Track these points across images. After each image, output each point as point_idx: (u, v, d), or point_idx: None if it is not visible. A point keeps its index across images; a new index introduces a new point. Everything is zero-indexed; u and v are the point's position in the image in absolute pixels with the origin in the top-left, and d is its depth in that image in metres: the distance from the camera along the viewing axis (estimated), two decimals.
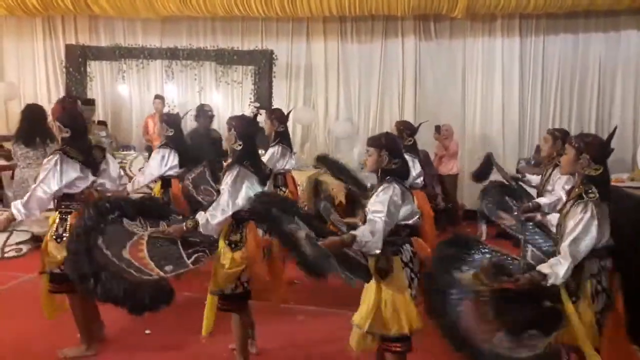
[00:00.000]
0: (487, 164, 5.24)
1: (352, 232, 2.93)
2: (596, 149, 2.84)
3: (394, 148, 3.17)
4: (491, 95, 8.63)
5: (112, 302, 2.98)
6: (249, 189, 3.38)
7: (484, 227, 7.51)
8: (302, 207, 3.67)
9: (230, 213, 3.32)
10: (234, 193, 3.33)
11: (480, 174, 5.31)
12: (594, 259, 2.75)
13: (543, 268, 2.71)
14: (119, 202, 3.31)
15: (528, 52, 8.49)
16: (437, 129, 8.00)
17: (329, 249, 2.84)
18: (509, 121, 8.57)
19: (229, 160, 3.57)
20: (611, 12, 8.03)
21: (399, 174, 3.15)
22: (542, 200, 4.13)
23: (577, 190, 2.87)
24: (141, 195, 4.10)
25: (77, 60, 8.95)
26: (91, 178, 3.76)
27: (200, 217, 3.30)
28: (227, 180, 3.36)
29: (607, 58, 8.24)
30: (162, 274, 3.11)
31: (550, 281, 2.68)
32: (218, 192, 3.56)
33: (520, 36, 8.47)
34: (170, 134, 4.90)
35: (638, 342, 2.83)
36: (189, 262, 3.28)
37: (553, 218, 3.85)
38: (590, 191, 2.77)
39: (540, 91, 8.50)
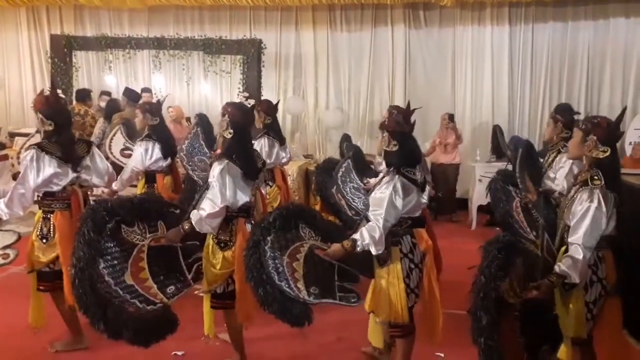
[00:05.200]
0: (496, 137, 5.19)
1: (353, 236, 2.95)
2: (603, 129, 2.75)
3: (392, 129, 3.10)
4: (481, 83, 8.64)
5: (120, 339, 3.02)
6: (235, 185, 3.28)
7: (474, 216, 7.57)
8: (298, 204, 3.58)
9: (220, 206, 3.19)
10: (222, 187, 3.22)
11: (497, 149, 5.23)
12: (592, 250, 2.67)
13: (561, 269, 2.62)
14: (117, 209, 3.13)
15: (517, 40, 8.50)
16: (452, 117, 7.96)
17: (331, 257, 2.96)
18: (498, 109, 8.59)
19: (218, 151, 3.46)
20: (600, 0, 8.04)
21: (402, 159, 3.06)
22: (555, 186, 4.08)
23: (583, 174, 2.79)
24: (140, 194, 3.95)
25: (63, 51, 8.82)
26: (72, 174, 3.59)
27: (193, 215, 3.20)
28: (215, 173, 3.26)
29: (596, 46, 8.27)
30: (165, 299, 3.14)
31: (572, 281, 2.61)
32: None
33: (510, 24, 8.47)
34: (155, 122, 4.77)
35: (634, 333, 2.80)
36: (189, 276, 3.31)
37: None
38: (596, 177, 2.68)
39: (530, 79, 8.52)
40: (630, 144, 7.82)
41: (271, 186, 5.21)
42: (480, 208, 7.49)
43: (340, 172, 4.59)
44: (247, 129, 3.45)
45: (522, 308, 2.64)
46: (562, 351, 2.87)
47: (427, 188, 3.33)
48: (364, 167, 4.94)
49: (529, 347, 2.72)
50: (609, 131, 2.76)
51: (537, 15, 8.39)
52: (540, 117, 8.36)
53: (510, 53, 8.50)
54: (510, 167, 4.53)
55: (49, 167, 3.50)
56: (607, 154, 2.73)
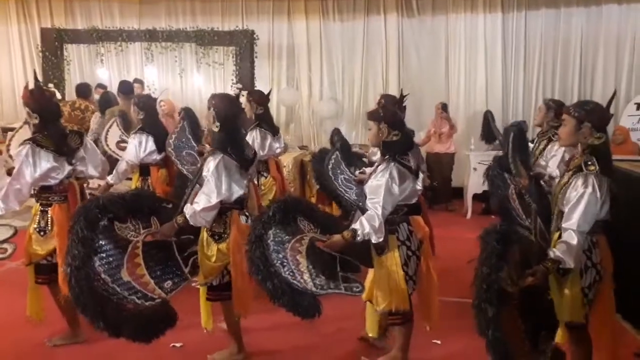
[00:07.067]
0: (487, 122, 5.17)
1: (353, 226, 2.97)
2: (597, 116, 2.73)
3: (392, 120, 3.13)
4: (474, 71, 8.64)
5: (121, 337, 3.00)
6: (230, 179, 3.26)
7: (469, 204, 7.60)
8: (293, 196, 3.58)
9: (215, 201, 3.18)
10: (218, 182, 3.20)
11: (487, 135, 5.21)
12: (586, 235, 2.66)
13: (555, 255, 2.60)
14: (109, 206, 3.10)
15: (510, 27, 8.50)
16: (445, 107, 7.98)
17: (332, 248, 2.97)
18: (492, 97, 8.60)
19: (211, 146, 3.43)
20: None
21: (401, 147, 3.10)
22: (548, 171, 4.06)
23: (576, 161, 2.77)
24: (132, 190, 3.92)
25: (54, 44, 8.77)
26: (67, 168, 3.57)
27: (187, 209, 3.19)
28: (210, 167, 3.23)
29: (589, 32, 8.28)
30: (163, 294, 3.13)
31: (567, 266, 2.61)
32: (201, 154, 3.48)
33: (503, 12, 8.47)
34: (141, 117, 4.71)
35: (629, 317, 2.82)
36: (186, 270, 3.30)
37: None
38: (590, 163, 2.67)
39: (523, 66, 8.53)
40: None
41: (266, 177, 5.18)
42: (476, 197, 7.52)
43: (330, 165, 4.59)
44: (235, 120, 3.39)
45: (520, 295, 2.64)
46: (559, 335, 2.90)
47: (421, 175, 3.35)
48: (351, 158, 4.94)
49: (529, 334, 2.74)
50: (602, 117, 2.76)
51: (529, 2, 8.39)
52: (534, 105, 8.35)
53: (503, 40, 8.49)
54: (501, 152, 4.55)
55: (46, 161, 3.48)
56: (603, 140, 2.72)
